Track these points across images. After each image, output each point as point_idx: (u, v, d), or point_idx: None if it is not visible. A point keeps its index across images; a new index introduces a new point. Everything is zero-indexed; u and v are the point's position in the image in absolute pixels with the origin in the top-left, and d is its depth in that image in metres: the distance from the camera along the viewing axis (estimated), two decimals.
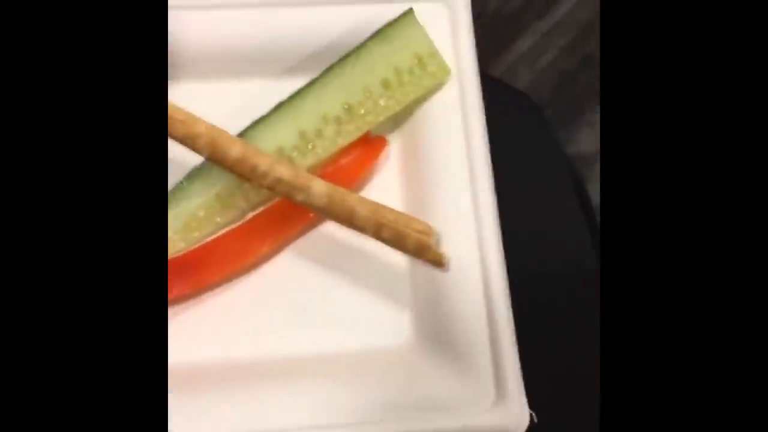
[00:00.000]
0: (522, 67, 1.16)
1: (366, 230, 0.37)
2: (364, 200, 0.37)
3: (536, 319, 0.40)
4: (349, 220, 0.37)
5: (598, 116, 1.15)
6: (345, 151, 0.41)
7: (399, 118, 0.42)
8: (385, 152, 0.42)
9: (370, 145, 0.42)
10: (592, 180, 1.08)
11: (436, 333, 0.39)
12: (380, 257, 0.41)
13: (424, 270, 0.39)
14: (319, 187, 0.37)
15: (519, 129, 0.48)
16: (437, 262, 0.37)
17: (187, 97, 0.39)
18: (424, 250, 0.36)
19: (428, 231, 0.37)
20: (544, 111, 1.13)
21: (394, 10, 0.41)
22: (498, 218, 0.39)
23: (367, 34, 0.41)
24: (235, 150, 0.37)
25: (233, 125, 0.40)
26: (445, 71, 0.41)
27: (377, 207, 0.37)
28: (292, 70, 0.43)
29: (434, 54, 0.40)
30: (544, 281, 0.42)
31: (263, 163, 0.37)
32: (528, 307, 0.39)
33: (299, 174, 0.37)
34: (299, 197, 0.37)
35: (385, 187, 0.42)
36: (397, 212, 0.37)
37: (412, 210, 0.41)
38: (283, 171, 0.37)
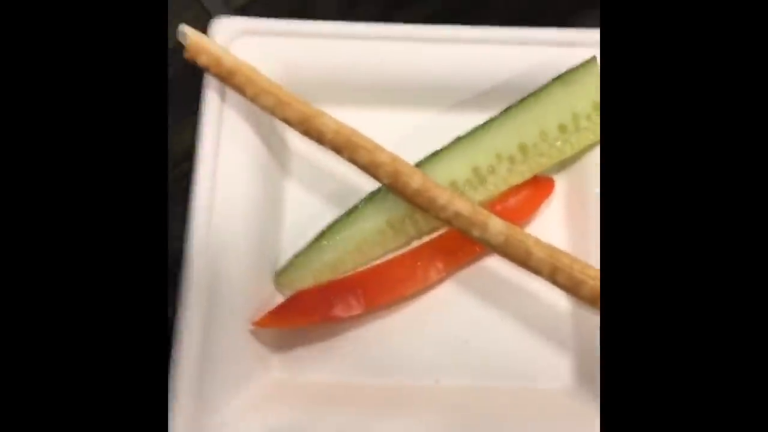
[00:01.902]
0: None
1: (541, 273, 0.37)
2: (539, 242, 0.38)
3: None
4: (524, 261, 0.38)
5: None
6: (514, 190, 0.42)
7: (566, 161, 0.43)
8: (554, 193, 0.43)
9: (538, 185, 0.43)
10: None
11: (598, 379, 0.39)
12: (543, 295, 0.42)
13: (587, 313, 0.39)
14: (497, 225, 0.38)
15: None
16: None
17: (367, 124, 0.40)
18: (597, 298, 0.37)
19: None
20: None
21: (574, 55, 0.42)
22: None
23: (544, 76, 0.42)
24: (416, 181, 0.38)
25: (408, 154, 0.41)
26: None
27: (553, 250, 0.38)
28: (466, 104, 0.44)
29: None
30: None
31: (442, 197, 0.38)
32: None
33: (477, 210, 0.38)
34: (476, 233, 0.38)
35: (548, 228, 0.43)
36: (573, 257, 0.38)
37: (575, 254, 0.41)
38: (461, 206, 0.38)
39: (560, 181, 0.44)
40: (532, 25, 0.43)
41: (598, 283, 0.37)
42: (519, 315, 0.42)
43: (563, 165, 0.44)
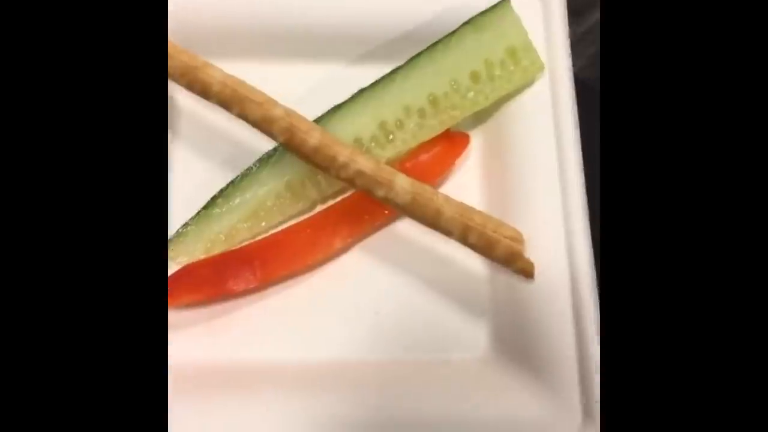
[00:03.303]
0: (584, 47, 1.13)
1: (451, 233, 0.34)
2: (450, 200, 0.34)
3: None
4: (433, 221, 0.34)
5: None
6: (425, 146, 0.38)
7: (482, 114, 0.40)
8: (469, 148, 0.40)
9: (452, 141, 0.39)
10: None
11: (517, 346, 0.36)
12: (458, 261, 0.38)
13: (505, 277, 0.36)
14: (403, 184, 0.34)
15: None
16: (526, 271, 0.34)
17: (262, 78, 0.36)
18: (514, 259, 0.34)
19: (518, 237, 0.34)
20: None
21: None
22: (589, 224, 0.36)
23: (455, 22, 0.38)
24: (314, 138, 0.34)
25: (307, 110, 0.37)
26: (539, 67, 0.38)
27: (464, 208, 0.34)
28: (371, 55, 0.40)
29: (529, 48, 0.38)
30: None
31: (343, 154, 0.34)
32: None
33: (381, 168, 0.35)
34: (380, 193, 0.34)
35: (464, 187, 0.39)
36: (486, 215, 0.34)
37: (492, 211, 0.38)
38: (364, 164, 0.34)
39: (477, 137, 0.40)
40: None
41: (511, 242, 0.34)
42: (432, 283, 0.38)
43: (480, 119, 0.40)
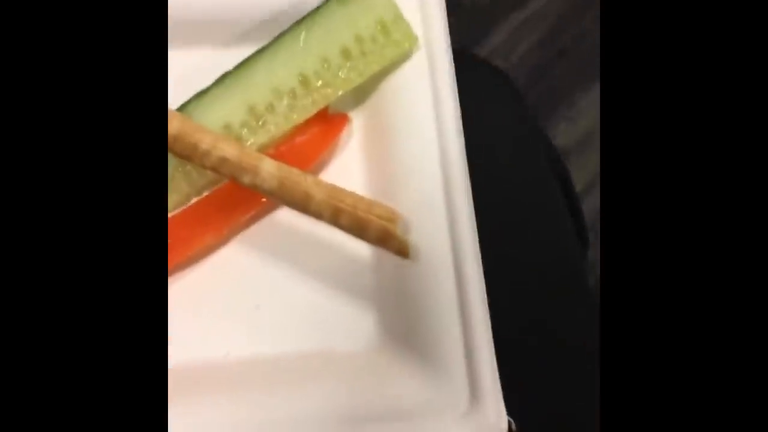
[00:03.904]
0: (496, 61, 1.13)
1: (322, 216, 0.32)
2: (320, 183, 0.33)
3: (515, 315, 0.36)
4: (303, 204, 0.32)
5: (573, 110, 1.12)
6: (301, 128, 0.37)
7: (362, 92, 0.38)
8: (347, 130, 0.38)
9: (329, 122, 0.37)
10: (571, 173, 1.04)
11: (404, 333, 0.34)
12: (341, 248, 0.36)
13: (391, 262, 0.34)
14: (269, 168, 0.32)
15: (493, 105, 0.43)
16: (402, 251, 0.32)
17: None
18: (387, 239, 0.32)
19: (392, 217, 0.32)
20: None
21: None
22: (472, 203, 0.35)
23: None
24: (173, 125, 0.33)
25: (174, 100, 0.35)
26: (412, 39, 0.36)
27: (335, 190, 0.32)
28: (240, 37, 0.38)
29: (399, 20, 0.36)
30: (523, 273, 0.38)
31: (205, 141, 0.33)
32: (506, 301, 0.35)
33: (246, 153, 0.33)
34: (246, 179, 0.32)
35: (346, 169, 0.38)
36: (358, 196, 0.33)
37: (376, 194, 0.36)
38: (227, 150, 0.32)
39: (357, 116, 0.38)
40: None
41: (384, 222, 0.32)
42: (314, 273, 0.36)
43: (360, 97, 0.38)
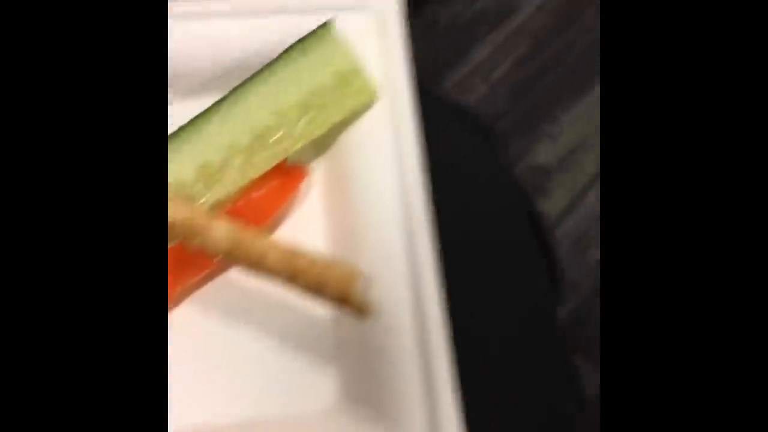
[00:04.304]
0: (477, 78, 1.12)
1: (278, 279, 0.31)
2: (274, 243, 0.32)
3: (483, 367, 0.35)
4: (257, 266, 0.31)
5: (555, 126, 1.12)
6: (258, 183, 0.36)
7: (323, 144, 0.37)
8: (306, 183, 0.37)
9: (287, 175, 0.36)
10: (552, 191, 1.05)
11: (365, 393, 0.33)
12: (299, 306, 0.35)
13: (351, 320, 0.33)
14: (220, 230, 0.31)
15: (464, 151, 0.42)
16: (361, 312, 0.31)
17: None
18: (345, 300, 0.31)
19: (350, 277, 0.31)
20: (500, 122, 1.10)
21: (316, 22, 0.35)
22: (436, 255, 0.34)
23: (282, 49, 0.35)
24: None
25: None
26: (372, 90, 0.36)
27: (290, 251, 0.31)
28: (196, 90, 0.37)
29: (358, 71, 0.35)
30: (492, 325, 0.37)
31: None
32: (473, 353, 0.34)
33: (197, 214, 0.32)
34: (197, 241, 0.31)
35: (305, 223, 0.37)
36: (314, 256, 0.32)
37: (337, 248, 0.35)
38: (177, 211, 0.31)
39: (319, 169, 0.38)
40: None
41: (341, 283, 0.31)
42: (272, 332, 0.35)
43: (320, 149, 0.38)
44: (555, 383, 0.37)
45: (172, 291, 0.35)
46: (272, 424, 0.34)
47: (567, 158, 1.10)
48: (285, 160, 0.36)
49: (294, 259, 0.31)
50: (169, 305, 0.35)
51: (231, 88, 0.36)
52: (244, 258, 0.31)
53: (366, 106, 0.36)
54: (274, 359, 0.34)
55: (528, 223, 0.44)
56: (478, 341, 0.35)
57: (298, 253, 0.31)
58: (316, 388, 0.34)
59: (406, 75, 0.36)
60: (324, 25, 0.35)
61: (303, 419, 0.34)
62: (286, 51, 0.35)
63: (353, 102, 0.35)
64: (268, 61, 0.36)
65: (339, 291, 0.31)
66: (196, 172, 0.35)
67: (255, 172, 0.35)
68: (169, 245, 0.35)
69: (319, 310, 0.35)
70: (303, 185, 0.37)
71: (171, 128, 0.35)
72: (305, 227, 0.36)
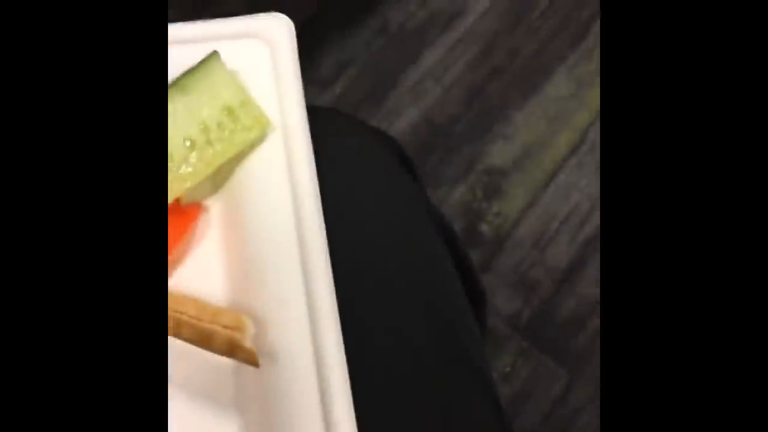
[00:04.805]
0: (430, 82, 1.12)
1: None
2: None
3: (384, 413, 0.34)
4: None
5: (510, 128, 1.12)
6: None
7: (219, 179, 0.36)
8: (202, 221, 0.36)
9: (181, 214, 0.35)
10: (509, 192, 1.04)
11: None
12: (198, 352, 0.33)
13: (249, 370, 0.32)
14: None
15: (371, 175, 0.41)
16: (250, 360, 0.30)
17: None
18: (234, 349, 0.30)
19: (239, 325, 0.30)
20: (455, 126, 1.09)
21: (201, 53, 0.34)
22: (334, 296, 0.33)
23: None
24: None
25: None
26: (263, 123, 0.34)
27: (176, 300, 0.30)
28: None
29: (247, 103, 0.34)
30: (395, 369, 0.36)
31: None
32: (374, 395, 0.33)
33: None
34: None
35: (202, 263, 0.35)
36: (202, 304, 0.30)
37: (235, 290, 0.34)
38: None
39: (216, 206, 0.36)
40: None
41: (230, 332, 0.30)
42: (172, 380, 0.33)
43: (217, 184, 0.36)
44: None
45: None
46: None
47: (522, 158, 1.10)
48: (178, 199, 0.34)
49: (180, 308, 0.30)
50: None
51: None
52: None
53: (259, 139, 0.34)
54: (174, 407, 0.33)
55: (447, 248, 0.43)
56: (379, 386, 0.34)
57: (184, 301, 0.30)
58: None
59: (300, 103, 0.35)
60: (210, 56, 0.33)
61: None
62: (172, 85, 0.33)
63: (245, 136, 0.34)
64: None
65: (227, 341, 0.30)
66: None
67: None
68: None
69: (217, 357, 0.33)
70: (199, 224, 0.35)
71: None
72: (202, 268, 0.35)
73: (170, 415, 0.33)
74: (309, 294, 0.33)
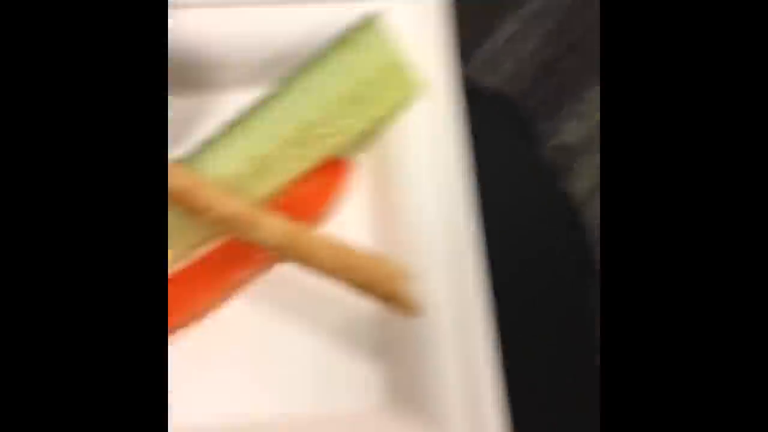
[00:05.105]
0: (504, 56, 1.11)
1: (327, 274, 0.32)
2: (325, 239, 0.32)
3: (527, 367, 0.35)
4: (306, 261, 0.32)
5: (583, 106, 1.10)
6: (304, 178, 0.36)
7: (367, 138, 0.37)
8: (353, 178, 0.37)
9: (333, 170, 0.36)
10: (580, 171, 1.04)
11: (410, 392, 0.34)
12: (346, 303, 0.35)
13: (397, 317, 0.34)
14: (273, 224, 0.32)
15: (498, 139, 0.42)
16: (408, 309, 0.32)
17: None
18: (392, 297, 0.32)
19: (398, 274, 0.32)
20: (527, 101, 1.10)
21: (356, 11, 0.35)
22: (480, 251, 0.34)
23: (325, 39, 0.35)
24: (175, 180, 0.32)
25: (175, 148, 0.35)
26: (416, 84, 0.35)
27: (341, 247, 0.32)
28: (244, 80, 0.37)
29: (402, 65, 0.35)
30: (535, 321, 0.37)
31: (206, 196, 0.32)
32: (518, 353, 0.35)
33: (249, 209, 0.32)
34: (249, 235, 0.32)
35: (352, 219, 0.37)
36: (365, 253, 0.32)
37: (384, 244, 0.35)
38: (229, 205, 0.32)
39: (365, 163, 0.37)
40: None
41: (390, 280, 0.31)
42: (318, 330, 0.35)
43: (365, 144, 0.37)
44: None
45: (222, 288, 0.35)
46: (316, 421, 0.34)
47: (596, 136, 1.09)
48: (331, 156, 0.36)
49: (345, 255, 0.32)
50: (219, 302, 0.35)
51: (278, 78, 0.36)
52: (294, 253, 0.32)
53: (410, 101, 0.36)
54: (319, 356, 0.35)
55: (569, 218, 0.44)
56: (521, 341, 0.35)
57: (348, 249, 0.32)
58: (361, 386, 0.35)
59: (450, 68, 0.36)
60: (368, 18, 0.35)
61: (347, 417, 0.34)
62: (331, 45, 0.35)
63: (397, 96, 0.35)
64: (313, 49, 0.36)
65: (386, 289, 0.31)
66: (244, 166, 0.35)
67: (302, 166, 0.35)
68: (222, 240, 0.35)
69: (365, 307, 0.35)
70: (349, 180, 0.37)
71: (215, 123, 0.35)
72: (351, 222, 0.36)
73: (316, 363, 0.35)
74: (456, 250, 0.34)
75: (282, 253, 0.32)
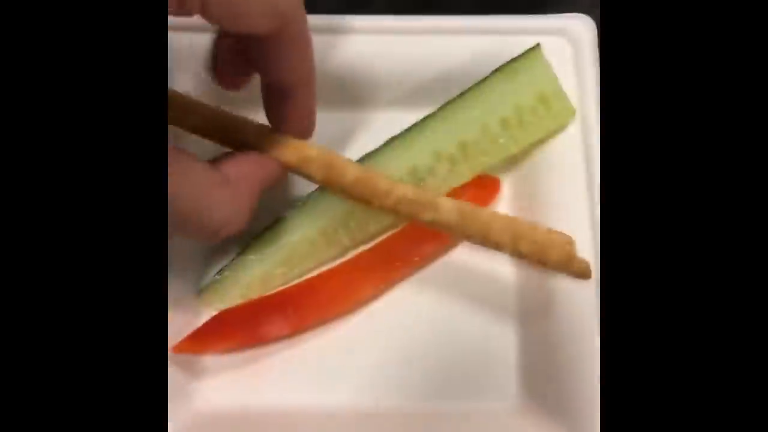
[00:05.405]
0: None
1: (503, 245, 0.33)
2: (496, 213, 0.33)
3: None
4: (483, 234, 0.33)
5: None
6: (456, 191, 0.38)
7: (514, 159, 0.40)
8: (498, 196, 0.39)
9: (483, 186, 0.39)
10: None
11: (546, 391, 0.35)
12: (487, 307, 0.37)
13: (535, 322, 0.36)
14: (448, 203, 0.33)
15: None
16: (583, 272, 0.32)
17: None
18: (569, 261, 0.32)
19: (570, 240, 0.33)
20: None
21: (516, 43, 0.39)
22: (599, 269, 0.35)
23: (488, 68, 0.39)
24: (352, 171, 0.34)
25: (347, 153, 0.38)
26: (570, 113, 0.38)
27: (512, 219, 0.33)
28: (399, 100, 0.41)
29: (560, 94, 0.38)
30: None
31: (383, 183, 0.34)
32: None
33: (424, 191, 0.34)
34: (427, 216, 0.33)
35: None
36: (533, 224, 0.33)
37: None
38: (406, 189, 0.34)
39: (507, 182, 0.40)
40: (502, 12, 0.40)
41: (566, 245, 0.32)
42: (462, 329, 0.37)
43: (511, 164, 0.40)
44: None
45: (377, 285, 0.37)
46: (455, 416, 0.35)
47: None
48: (482, 173, 0.38)
49: (516, 224, 0.33)
50: (374, 296, 0.37)
51: (430, 99, 0.39)
52: (471, 227, 0.33)
53: (563, 127, 0.39)
54: (461, 354, 0.36)
55: None
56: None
57: (518, 219, 0.33)
58: (500, 385, 0.36)
59: (597, 100, 0.39)
60: (533, 49, 0.38)
61: (486, 414, 0.35)
62: (495, 71, 0.38)
63: (552, 123, 0.38)
64: (465, 76, 0.39)
65: (563, 253, 0.32)
66: (404, 176, 0.37)
67: (456, 181, 0.38)
68: (377, 241, 0.38)
69: (502, 308, 0.37)
70: (497, 197, 0.39)
71: (381, 136, 0.38)
72: None
73: (454, 357, 0.36)
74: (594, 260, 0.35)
75: (459, 229, 0.33)
